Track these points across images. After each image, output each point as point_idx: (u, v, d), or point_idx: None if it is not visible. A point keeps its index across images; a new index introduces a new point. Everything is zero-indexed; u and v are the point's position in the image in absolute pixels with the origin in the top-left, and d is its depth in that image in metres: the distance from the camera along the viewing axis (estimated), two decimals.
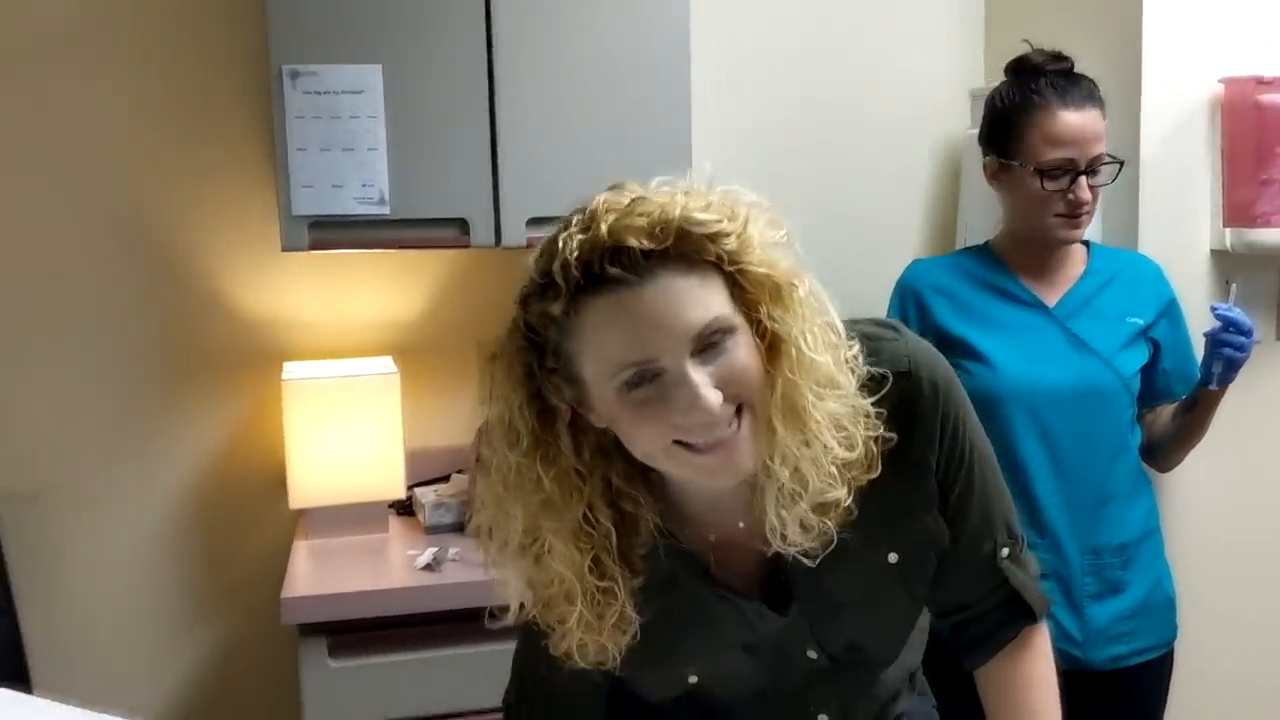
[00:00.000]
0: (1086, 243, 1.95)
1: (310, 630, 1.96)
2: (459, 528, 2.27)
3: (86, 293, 2.31)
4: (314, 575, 2.07)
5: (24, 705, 0.96)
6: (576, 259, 0.95)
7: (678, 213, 0.95)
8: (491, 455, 1.05)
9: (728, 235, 0.97)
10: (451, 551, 2.11)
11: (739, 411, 0.99)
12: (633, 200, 0.97)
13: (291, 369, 2.29)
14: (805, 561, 1.06)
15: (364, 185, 2.10)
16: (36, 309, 2.29)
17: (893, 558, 1.12)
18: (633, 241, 0.94)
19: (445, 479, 2.41)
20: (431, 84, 2.10)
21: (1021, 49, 1.90)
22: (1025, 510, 1.81)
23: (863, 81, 2.63)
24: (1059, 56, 1.83)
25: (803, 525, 1.03)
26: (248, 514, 2.41)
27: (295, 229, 2.08)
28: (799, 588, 1.12)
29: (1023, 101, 1.82)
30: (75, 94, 2.27)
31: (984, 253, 1.97)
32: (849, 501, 1.03)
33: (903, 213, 2.68)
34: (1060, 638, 1.79)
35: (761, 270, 0.99)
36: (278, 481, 2.28)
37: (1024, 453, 1.80)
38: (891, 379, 1.05)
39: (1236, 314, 1.78)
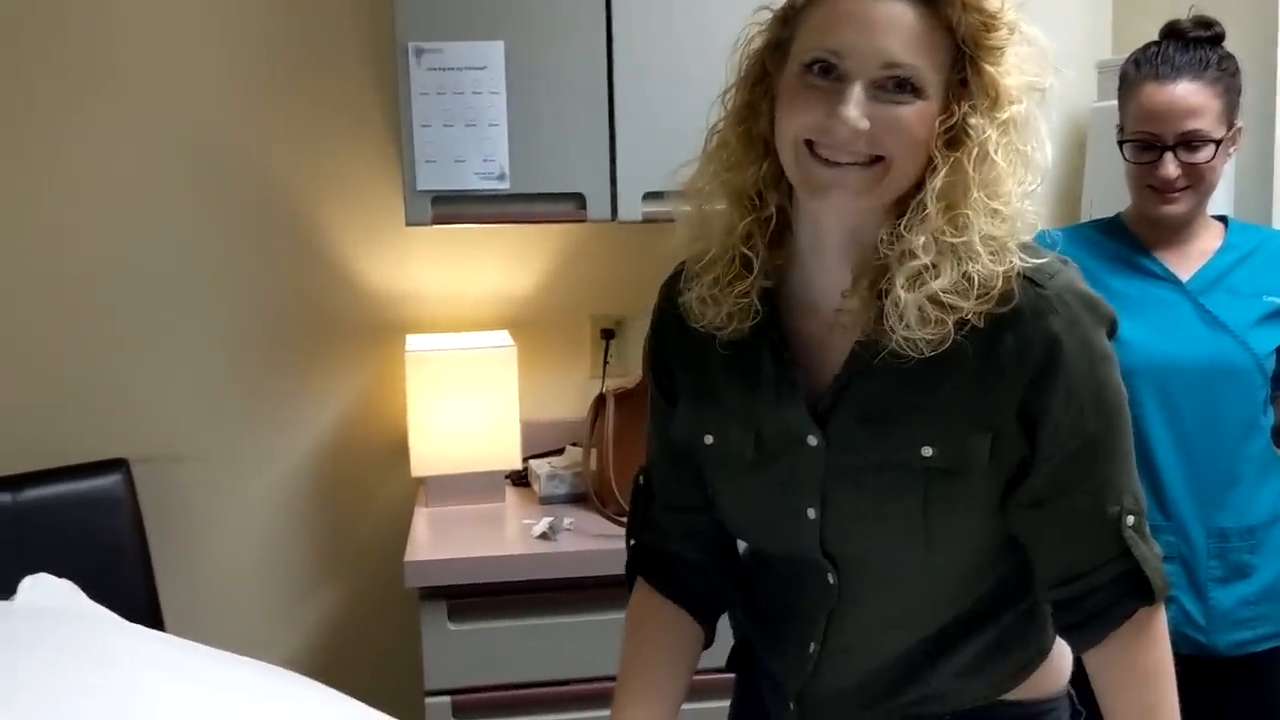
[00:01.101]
0: (1224, 218, 1.90)
1: (431, 594, 2.02)
2: (573, 499, 2.31)
3: (220, 268, 2.40)
4: (434, 541, 2.13)
5: (168, 644, 1.02)
6: None
7: None
8: (723, 108, 1.15)
9: (982, 18, 1.02)
10: (566, 521, 2.15)
11: (875, 163, 1.03)
12: None
13: (414, 341, 2.35)
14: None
15: (485, 160, 2.14)
16: (174, 282, 2.39)
17: (926, 452, 1.08)
18: None
19: (559, 451, 2.45)
20: (552, 61, 2.13)
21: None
22: (1149, 490, 1.76)
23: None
24: (1202, 23, 1.78)
25: (921, 313, 1.03)
26: (371, 481, 2.48)
27: (419, 204, 2.13)
28: (835, 422, 1.12)
29: (1124, 71, 1.81)
30: (204, 74, 2.35)
31: (1114, 225, 1.92)
32: (968, 316, 1.03)
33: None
34: (1183, 621, 1.75)
35: (990, 71, 1.02)
36: (400, 450, 2.35)
37: (1150, 431, 1.76)
38: (1023, 285, 1.05)
39: None
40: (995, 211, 1.03)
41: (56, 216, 2.34)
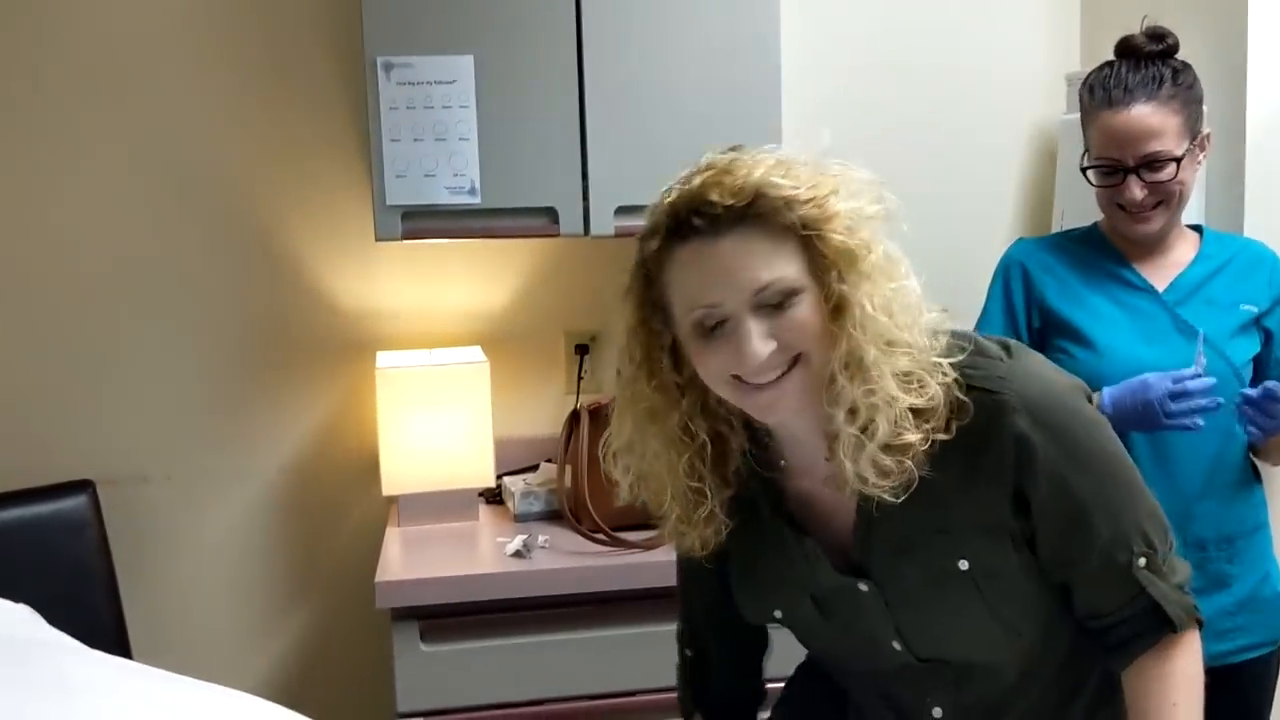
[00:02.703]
0: (1200, 228, 1.90)
1: (403, 614, 1.99)
2: (547, 516, 2.28)
3: (187, 283, 2.37)
4: (406, 560, 2.10)
5: (128, 671, 0.99)
6: (670, 206, 1.09)
7: (757, 176, 1.07)
8: (618, 373, 1.21)
9: (804, 202, 1.07)
10: (540, 539, 2.13)
11: (796, 362, 1.10)
12: (731, 161, 1.09)
13: (384, 358, 2.32)
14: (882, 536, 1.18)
15: (455, 175, 2.12)
16: (139, 299, 2.36)
17: (963, 565, 1.16)
18: (714, 198, 1.06)
19: (534, 468, 2.43)
20: (522, 74, 2.11)
21: (1116, 33, 1.85)
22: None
23: (957, 66, 2.59)
24: (1154, 36, 1.79)
25: (877, 468, 1.10)
26: (342, 500, 2.45)
27: (389, 219, 2.11)
28: (874, 565, 1.19)
29: (1081, 97, 1.81)
30: (172, 89, 2.33)
31: (1091, 235, 1.92)
32: (923, 447, 1.10)
33: (996, 197, 2.63)
34: None
35: (837, 238, 1.08)
36: (371, 469, 2.32)
37: (1126, 440, 1.75)
38: (977, 395, 1.12)
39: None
40: (896, 353, 1.09)
41: (20, 234, 2.31)
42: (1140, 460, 1.75)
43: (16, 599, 2.06)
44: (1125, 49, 1.80)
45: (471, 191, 2.12)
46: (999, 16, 2.61)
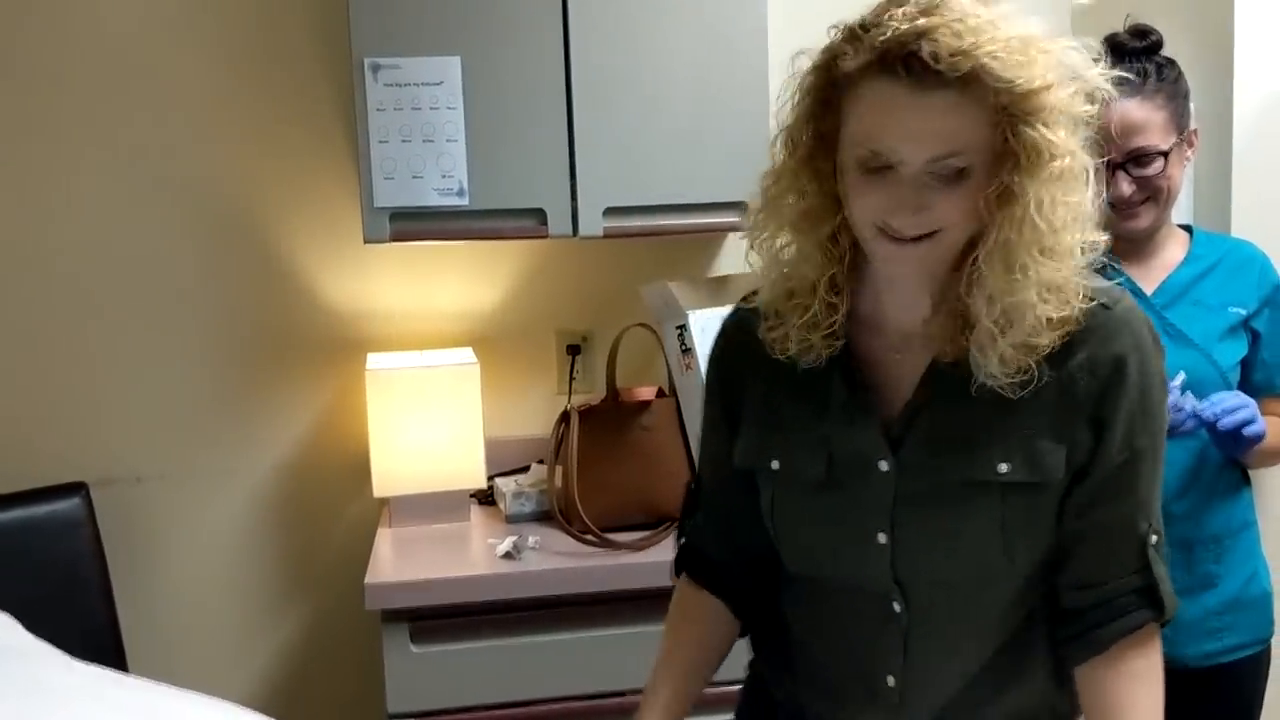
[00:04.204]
0: (1189, 228, 1.89)
1: (393, 616, 1.99)
2: (539, 517, 2.28)
3: (177, 285, 2.37)
4: (397, 562, 2.11)
5: (124, 686, 0.99)
6: (885, 37, 1.03)
7: (980, 52, 1.01)
8: (773, 159, 1.18)
9: (1015, 93, 1.03)
10: (531, 540, 2.13)
11: (936, 232, 1.09)
12: (964, 18, 1.03)
13: (375, 359, 2.32)
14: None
15: (443, 176, 2.12)
16: (130, 301, 2.36)
17: (1003, 468, 1.13)
18: (929, 53, 1.01)
19: (525, 469, 2.43)
20: (509, 75, 2.11)
21: (1107, 32, 1.85)
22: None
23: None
24: (1138, 33, 1.79)
25: (1002, 360, 1.10)
26: (333, 502, 2.45)
27: (377, 220, 2.11)
28: (908, 446, 1.17)
29: None
30: (163, 92, 2.33)
31: None
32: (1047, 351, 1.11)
33: None
34: None
35: (1032, 134, 1.05)
36: (362, 470, 2.32)
37: None
38: (1092, 306, 1.12)
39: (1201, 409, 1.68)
40: (1047, 263, 1.09)
41: (11, 236, 2.31)
42: None
43: (10, 600, 2.06)
44: (1111, 46, 1.78)
45: (460, 193, 2.13)
46: None
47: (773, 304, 1.21)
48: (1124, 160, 1.73)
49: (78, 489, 2.25)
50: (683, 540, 1.39)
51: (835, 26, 1.10)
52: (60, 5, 2.27)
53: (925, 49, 1.01)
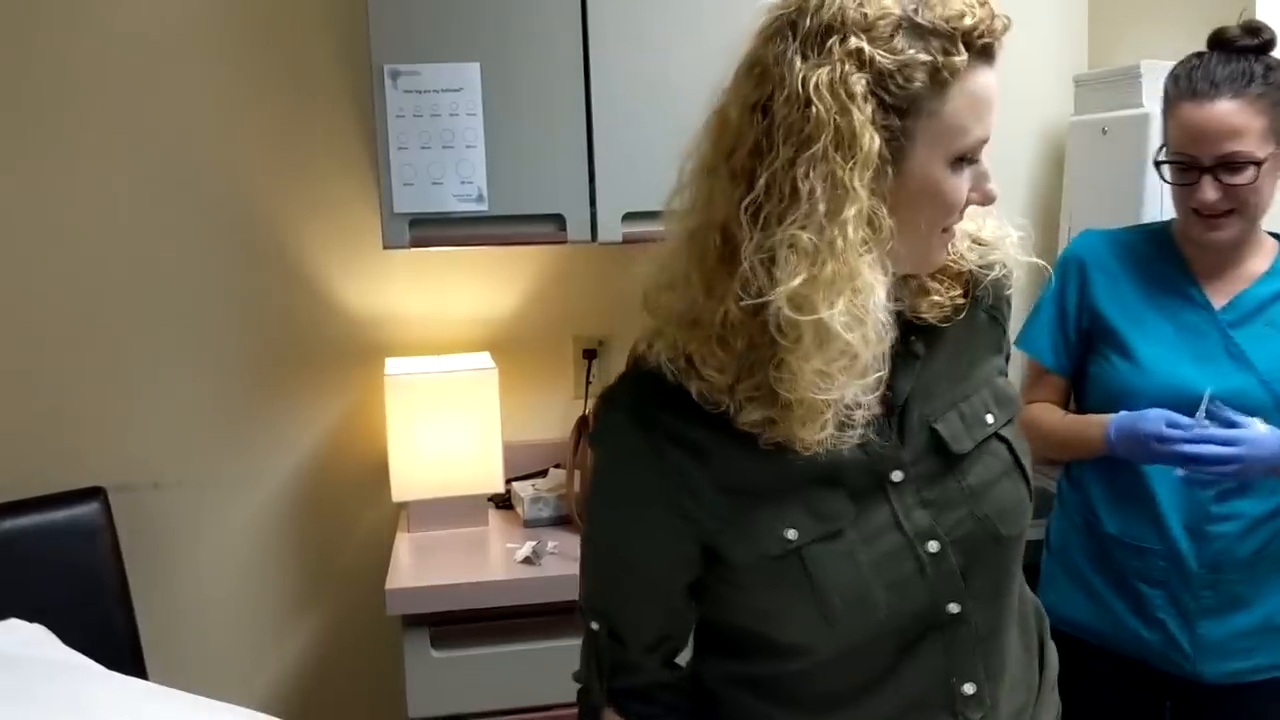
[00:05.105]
0: None
1: (413, 621, 2.00)
2: (557, 521, 2.29)
3: (199, 293, 2.38)
4: (416, 567, 2.11)
5: (158, 698, 1.00)
6: (991, 27, 1.01)
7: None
8: (811, 196, 0.98)
9: None
10: (550, 545, 2.13)
11: None
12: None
13: (393, 364, 2.33)
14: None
15: (463, 182, 2.13)
16: (150, 308, 2.37)
17: (990, 419, 1.15)
18: (1002, 35, 1.03)
19: (543, 473, 2.43)
20: (528, 81, 2.12)
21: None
22: (1147, 518, 1.72)
23: None
24: (1250, 30, 1.68)
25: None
26: (352, 506, 2.46)
27: (396, 227, 2.11)
28: (911, 439, 1.11)
29: (1165, 87, 1.71)
30: (184, 99, 2.34)
31: (1162, 235, 1.81)
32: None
33: (1004, 199, 2.61)
34: (1168, 647, 1.71)
35: None
36: (381, 475, 2.33)
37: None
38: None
39: (1202, 449, 1.57)
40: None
41: (31, 242, 2.32)
42: (1163, 479, 1.68)
43: (30, 605, 2.06)
44: (1217, 40, 1.69)
45: (479, 199, 2.13)
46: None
47: (839, 382, 1.00)
48: (1213, 165, 1.62)
49: (97, 494, 2.26)
50: (607, 687, 1.19)
51: (872, 30, 0.98)
52: (80, 14, 2.28)
53: (999, 27, 1.03)
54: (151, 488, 2.38)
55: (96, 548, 2.24)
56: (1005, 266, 1.19)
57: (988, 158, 1.08)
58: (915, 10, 1.00)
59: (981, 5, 1.02)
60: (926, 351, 1.14)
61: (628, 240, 2.16)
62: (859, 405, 1.02)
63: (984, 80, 1.03)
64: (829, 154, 0.97)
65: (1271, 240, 1.76)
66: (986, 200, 1.08)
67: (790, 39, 1.02)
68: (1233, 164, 1.61)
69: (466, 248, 2.32)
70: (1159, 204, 2.22)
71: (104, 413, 2.37)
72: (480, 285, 2.46)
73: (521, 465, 2.44)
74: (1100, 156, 2.39)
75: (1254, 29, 1.67)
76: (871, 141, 0.97)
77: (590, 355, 2.50)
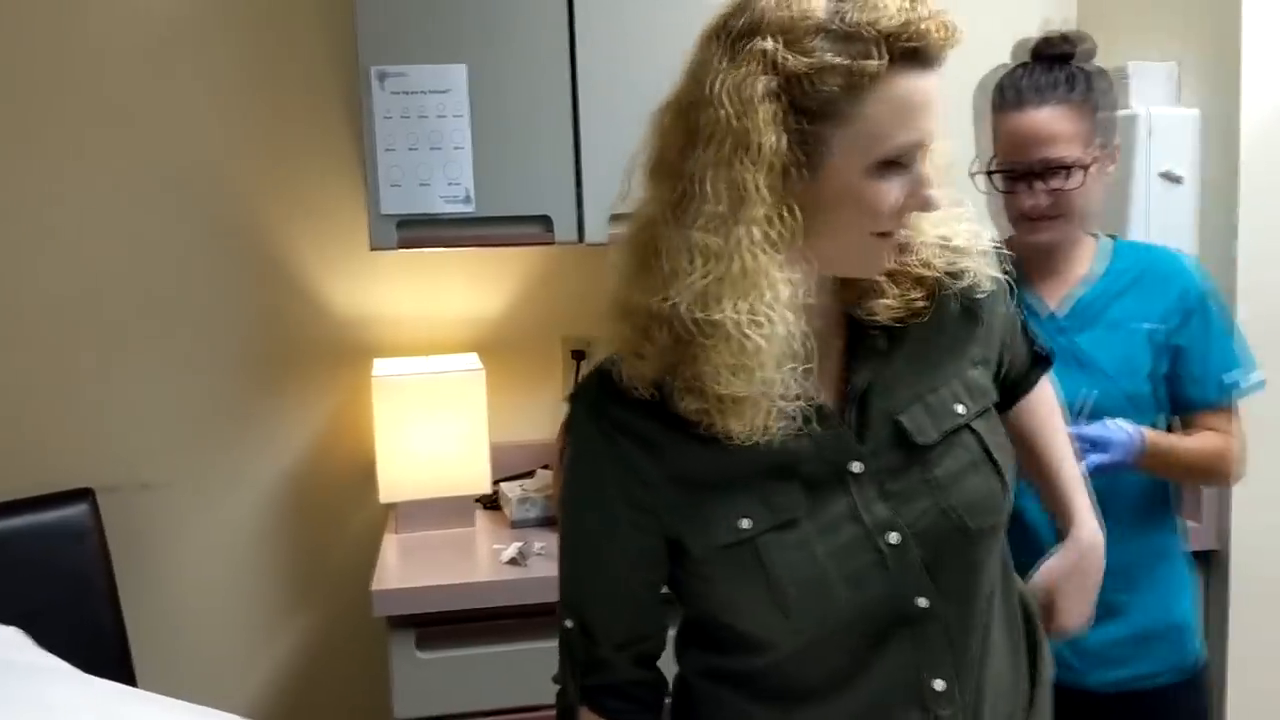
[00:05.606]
0: (1114, 238, 1.80)
1: (400, 622, 2.00)
2: (544, 522, 2.29)
3: (187, 294, 2.38)
4: (403, 568, 2.11)
5: (134, 702, 1.00)
6: (919, 30, 0.99)
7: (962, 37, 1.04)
8: (711, 199, 1.00)
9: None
10: (537, 546, 2.14)
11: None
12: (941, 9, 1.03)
13: (381, 365, 2.33)
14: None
15: (450, 184, 2.13)
16: (137, 308, 2.37)
17: (959, 410, 1.14)
18: (948, 39, 1.02)
19: (530, 474, 2.44)
20: (515, 83, 2.12)
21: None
22: (1019, 531, 1.66)
23: (949, 71, 2.58)
24: (1065, 39, 1.71)
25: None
26: (340, 507, 2.46)
27: (384, 228, 2.12)
28: (870, 439, 1.11)
29: (990, 93, 1.74)
30: (172, 101, 2.34)
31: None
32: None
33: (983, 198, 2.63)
34: (1055, 660, 1.69)
35: None
36: (368, 476, 2.33)
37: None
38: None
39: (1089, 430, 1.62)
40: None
41: (19, 243, 2.32)
42: (1030, 491, 1.67)
43: (19, 606, 2.06)
44: (1037, 50, 1.72)
45: (466, 200, 2.13)
46: (997, 19, 2.60)
47: (761, 381, 1.02)
48: (1036, 170, 1.66)
49: (85, 495, 2.26)
50: (582, 685, 1.21)
51: (783, 38, 0.99)
52: (66, 14, 2.29)
53: (935, 32, 1.00)
54: (140, 488, 2.39)
55: (85, 549, 2.24)
56: (975, 275, 1.15)
57: (934, 162, 1.06)
58: (839, 14, 0.99)
59: (912, 9, 0.99)
60: (890, 346, 1.14)
61: (614, 241, 2.15)
62: (797, 398, 1.03)
63: (911, 85, 1.01)
64: (731, 156, 0.99)
65: (1090, 239, 1.79)
66: (924, 207, 1.06)
67: (721, 41, 1.04)
68: (1058, 168, 1.65)
69: (454, 249, 2.32)
70: (1145, 204, 2.23)
71: (93, 414, 2.37)
72: (469, 286, 2.46)
73: (511, 466, 2.44)
74: None
75: (1070, 39, 1.71)
76: (775, 143, 0.98)
77: (579, 356, 2.50)
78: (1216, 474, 1.78)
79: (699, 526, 1.10)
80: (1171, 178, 2.23)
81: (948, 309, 1.16)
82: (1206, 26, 2.20)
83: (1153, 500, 1.76)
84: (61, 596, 2.18)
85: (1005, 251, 1.21)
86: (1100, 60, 1.80)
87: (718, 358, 1.01)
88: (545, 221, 2.16)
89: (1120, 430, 1.64)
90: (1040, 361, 1.37)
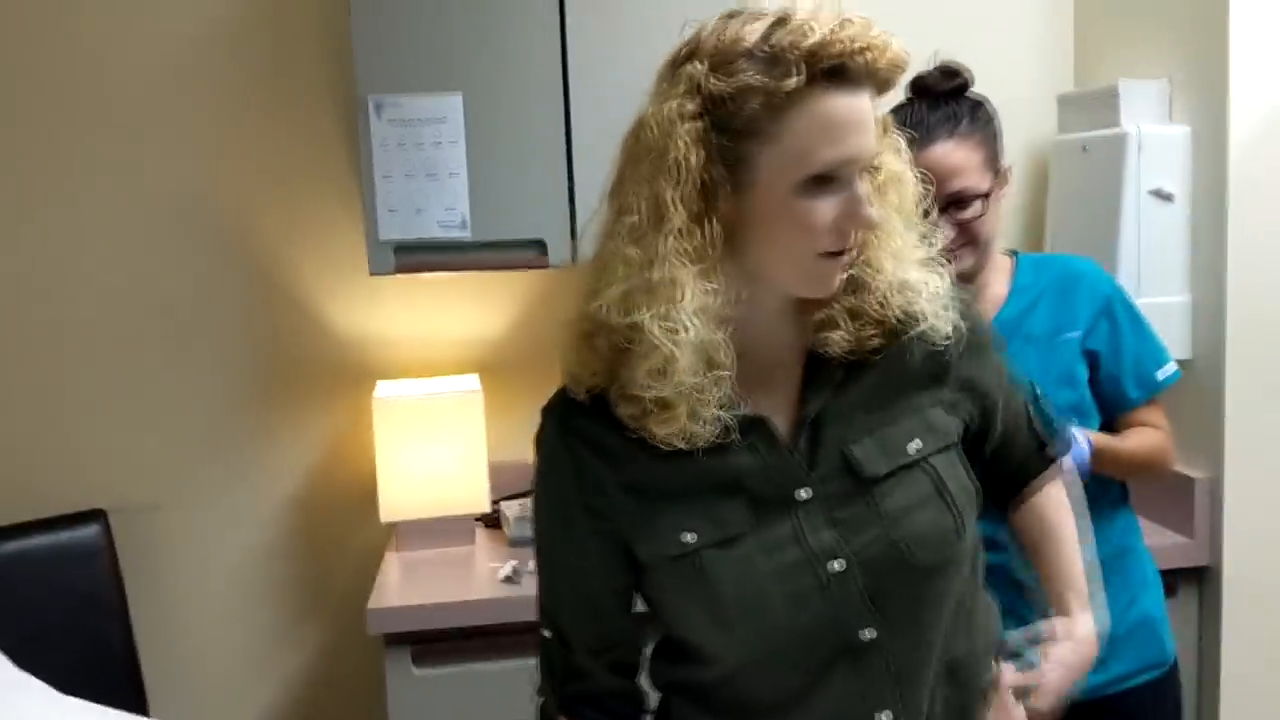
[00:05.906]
0: (1015, 254, 1.83)
1: (395, 640, 2.03)
2: None
3: (192, 319, 2.44)
4: (401, 586, 2.15)
5: (81, 712, 1.03)
6: (839, 49, 1.02)
7: (900, 51, 1.06)
8: (634, 221, 1.07)
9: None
10: (532, 564, 2.16)
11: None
12: (876, 32, 1.05)
13: (382, 387, 2.38)
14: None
15: (446, 210, 2.18)
16: (144, 332, 2.43)
17: (914, 447, 1.15)
18: (879, 59, 1.03)
19: (529, 493, 2.46)
20: (510, 111, 2.16)
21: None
22: (983, 530, 1.69)
23: None
24: (947, 73, 1.72)
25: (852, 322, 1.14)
26: (344, 527, 2.51)
27: (382, 253, 2.17)
28: (820, 466, 1.13)
29: None
30: (176, 130, 2.40)
31: None
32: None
33: None
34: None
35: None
36: (370, 496, 2.37)
37: None
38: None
39: None
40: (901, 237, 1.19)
41: (27, 268, 2.38)
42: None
43: (31, 627, 2.12)
44: (919, 88, 1.73)
45: (462, 225, 2.18)
46: (992, 36, 2.62)
47: (678, 385, 1.06)
48: (944, 205, 1.65)
49: (97, 516, 2.32)
50: (560, 692, 1.25)
51: (709, 62, 1.05)
52: (70, 42, 2.35)
53: (882, 55, 1.03)
54: (148, 508, 2.43)
55: (97, 569, 2.30)
56: (931, 320, 1.15)
57: (903, 195, 1.10)
58: (767, 38, 1.03)
59: (840, 30, 1.02)
60: (847, 379, 1.16)
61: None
62: (721, 405, 1.08)
63: (834, 103, 1.03)
64: (654, 172, 1.05)
65: (1005, 259, 1.81)
66: (861, 224, 1.08)
67: (669, 68, 1.10)
68: (960, 200, 1.66)
69: (452, 273, 2.37)
70: (1135, 223, 2.24)
71: (104, 436, 2.42)
72: (466, 309, 2.51)
73: (511, 485, 2.47)
74: (1081, 175, 2.41)
75: (951, 72, 1.72)
76: (695, 161, 1.03)
77: None
78: (1160, 468, 1.80)
79: (648, 535, 1.15)
80: (1162, 195, 2.24)
81: (912, 352, 1.17)
82: (1195, 43, 2.21)
83: (1104, 499, 1.74)
84: (73, 616, 2.23)
85: (965, 297, 1.21)
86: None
87: (643, 363, 1.06)
88: (540, 245, 2.20)
89: (1076, 445, 1.64)
90: (1048, 459, 1.36)
